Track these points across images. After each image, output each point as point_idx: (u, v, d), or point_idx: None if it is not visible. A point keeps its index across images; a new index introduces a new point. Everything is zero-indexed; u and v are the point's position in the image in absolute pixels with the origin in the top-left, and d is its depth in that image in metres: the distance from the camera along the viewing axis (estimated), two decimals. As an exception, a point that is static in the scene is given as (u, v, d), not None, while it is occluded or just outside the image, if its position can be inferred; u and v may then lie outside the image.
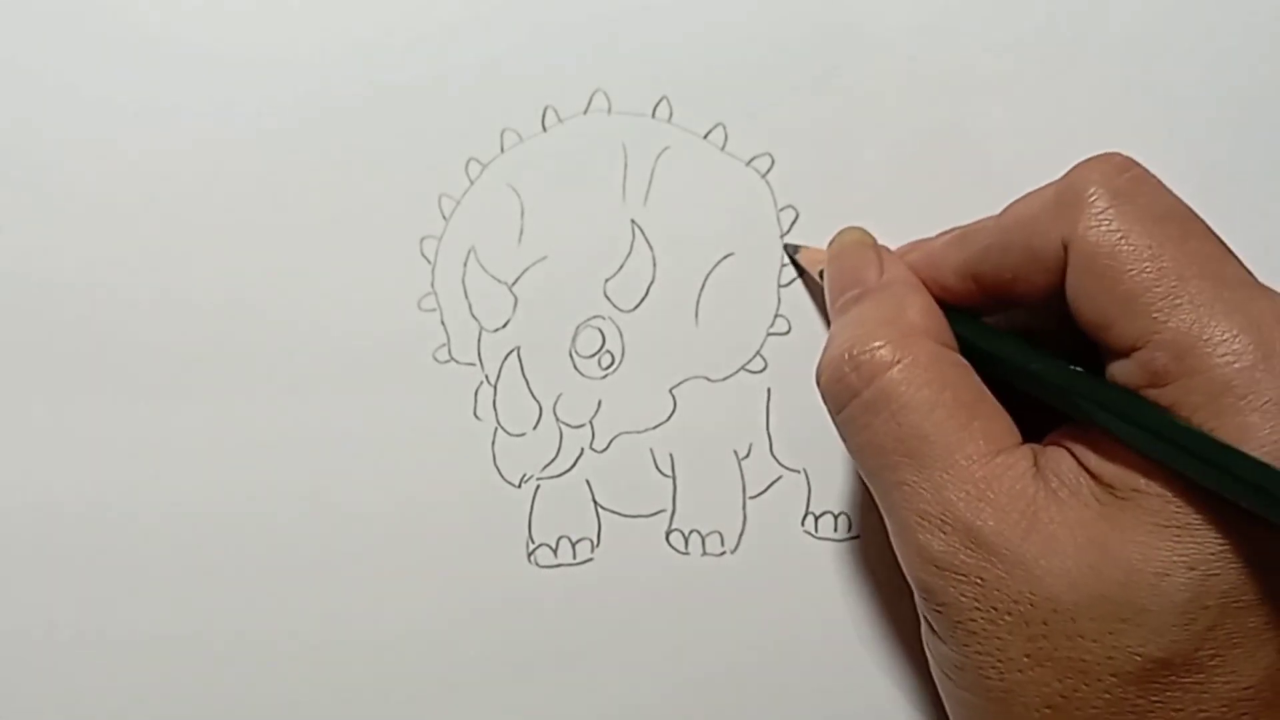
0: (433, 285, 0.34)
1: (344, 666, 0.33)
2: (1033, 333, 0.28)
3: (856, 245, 0.31)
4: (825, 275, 0.31)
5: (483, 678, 0.33)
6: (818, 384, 0.28)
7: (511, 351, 0.33)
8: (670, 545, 0.33)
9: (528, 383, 0.33)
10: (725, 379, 0.33)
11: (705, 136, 0.34)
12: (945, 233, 0.30)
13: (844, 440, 0.27)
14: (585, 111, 0.34)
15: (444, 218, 0.34)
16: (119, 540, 0.33)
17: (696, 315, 0.33)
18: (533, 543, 0.33)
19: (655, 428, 0.33)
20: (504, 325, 0.34)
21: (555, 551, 0.33)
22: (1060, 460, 0.25)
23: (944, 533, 0.24)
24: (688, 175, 0.34)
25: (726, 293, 0.33)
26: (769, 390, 0.33)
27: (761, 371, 0.33)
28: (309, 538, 0.33)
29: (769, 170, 0.34)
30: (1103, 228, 0.24)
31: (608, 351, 0.33)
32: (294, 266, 0.34)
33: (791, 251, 0.33)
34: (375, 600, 0.33)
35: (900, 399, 0.25)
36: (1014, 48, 0.34)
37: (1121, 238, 0.24)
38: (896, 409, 0.25)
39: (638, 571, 0.33)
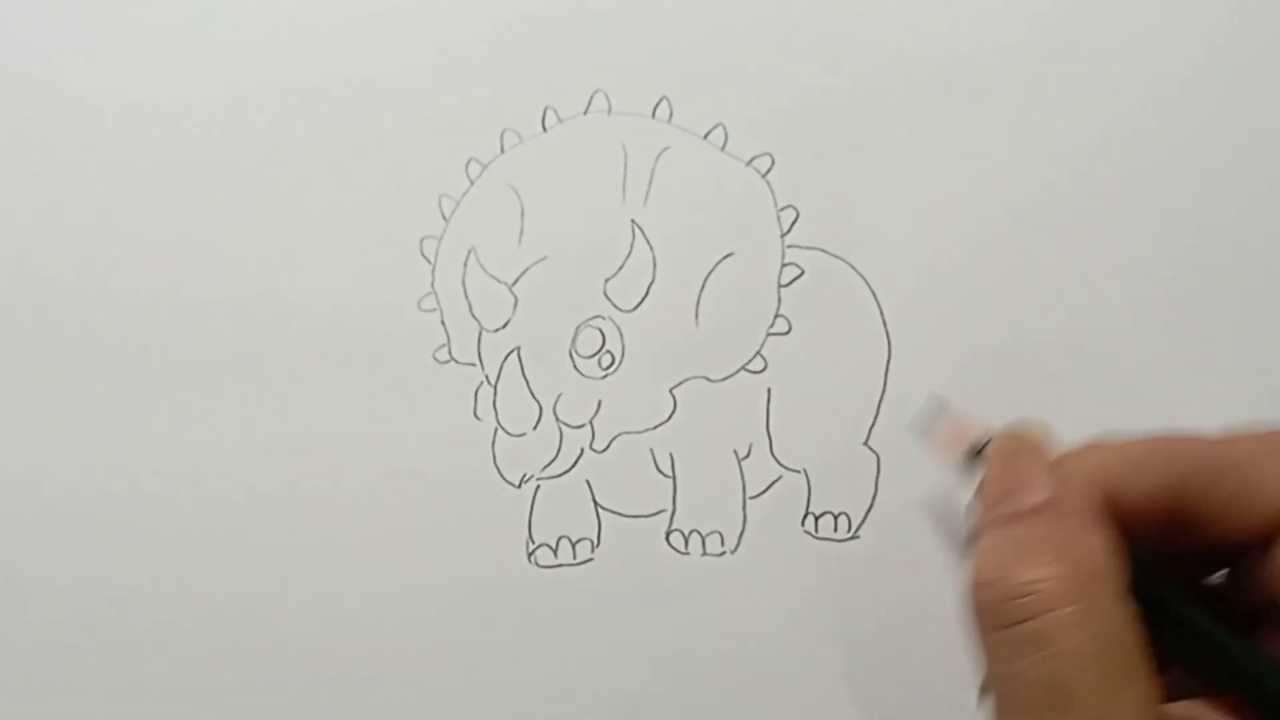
0: (433, 285, 0.34)
1: (344, 666, 0.33)
2: (1191, 566, 0.26)
3: (1028, 447, 0.28)
4: (986, 471, 0.28)
5: (483, 677, 0.33)
6: (974, 597, 0.26)
7: (511, 351, 0.33)
8: (670, 545, 0.33)
9: (528, 383, 0.33)
10: (725, 379, 0.33)
11: (705, 136, 0.34)
12: (1129, 444, 0.27)
13: (986, 662, 0.26)
14: (585, 111, 0.34)
15: (444, 218, 0.34)
16: (117, 541, 0.33)
17: (696, 315, 0.33)
18: (533, 543, 0.33)
19: (655, 428, 0.33)
20: (504, 325, 0.34)
21: (555, 551, 0.33)
22: None
23: None
24: (688, 175, 0.34)
25: (726, 293, 0.33)
26: (769, 390, 0.33)
27: (761, 371, 0.33)
28: (308, 537, 0.33)
29: (769, 170, 0.34)
30: None
31: (608, 351, 0.33)
32: (294, 267, 0.34)
33: (931, 415, 0.29)
34: (375, 599, 0.33)
35: (1062, 644, 0.24)
36: (1014, 48, 0.34)
37: None
38: (1056, 652, 0.24)
39: (638, 571, 0.33)
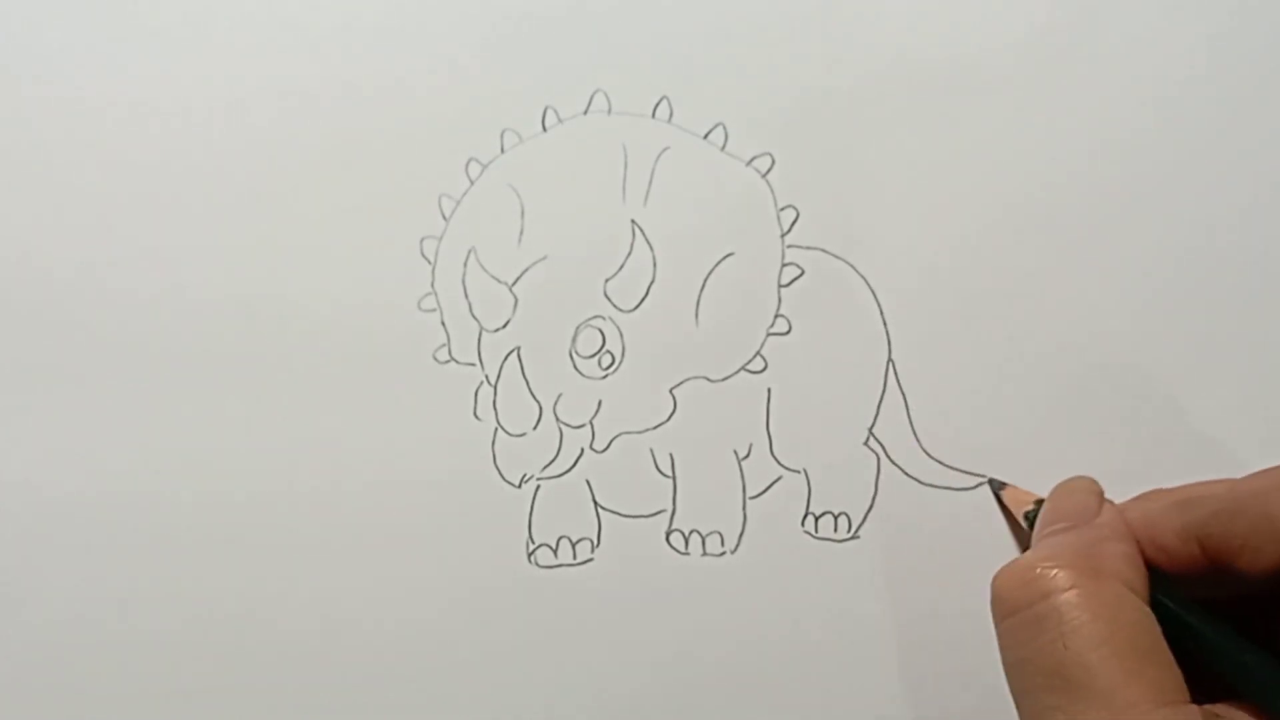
0: (433, 285, 0.34)
1: (344, 666, 0.33)
2: (1242, 606, 0.26)
3: (1081, 490, 0.30)
4: (1041, 510, 0.30)
5: (483, 677, 0.33)
6: (992, 586, 0.26)
7: (511, 351, 0.33)
8: (670, 545, 0.33)
9: (528, 383, 0.33)
10: (725, 379, 0.33)
11: (705, 136, 0.34)
12: (1163, 492, 0.29)
13: (1001, 651, 0.26)
14: (585, 111, 0.34)
15: (444, 218, 0.34)
16: (117, 541, 0.33)
17: (696, 315, 0.33)
18: (533, 543, 0.33)
19: (655, 428, 0.33)
20: (504, 325, 0.34)
21: (555, 551, 0.33)
22: None
23: None
24: (688, 175, 0.34)
25: (726, 293, 0.33)
26: (769, 390, 0.33)
27: (761, 371, 0.33)
28: (308, 537, 0.33)
29: (769, 170, 0.34)
30: None
31: (608, 351, 0.33)
32: (294, 267, 0.34)
33: (996, 488, 0.32)
34: (375, 599, 0.33)
35: (1071, 623, 0.24)
36: (1014, 48, 0.34)
37: None
38: (1066, 631, 0.24)
39: (638, 571, 0.33)
